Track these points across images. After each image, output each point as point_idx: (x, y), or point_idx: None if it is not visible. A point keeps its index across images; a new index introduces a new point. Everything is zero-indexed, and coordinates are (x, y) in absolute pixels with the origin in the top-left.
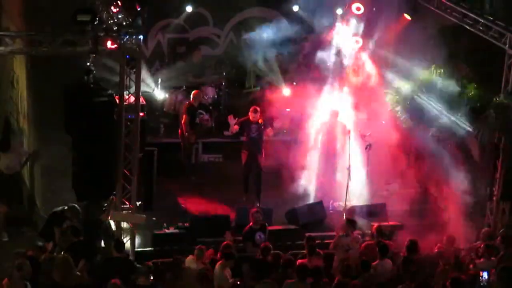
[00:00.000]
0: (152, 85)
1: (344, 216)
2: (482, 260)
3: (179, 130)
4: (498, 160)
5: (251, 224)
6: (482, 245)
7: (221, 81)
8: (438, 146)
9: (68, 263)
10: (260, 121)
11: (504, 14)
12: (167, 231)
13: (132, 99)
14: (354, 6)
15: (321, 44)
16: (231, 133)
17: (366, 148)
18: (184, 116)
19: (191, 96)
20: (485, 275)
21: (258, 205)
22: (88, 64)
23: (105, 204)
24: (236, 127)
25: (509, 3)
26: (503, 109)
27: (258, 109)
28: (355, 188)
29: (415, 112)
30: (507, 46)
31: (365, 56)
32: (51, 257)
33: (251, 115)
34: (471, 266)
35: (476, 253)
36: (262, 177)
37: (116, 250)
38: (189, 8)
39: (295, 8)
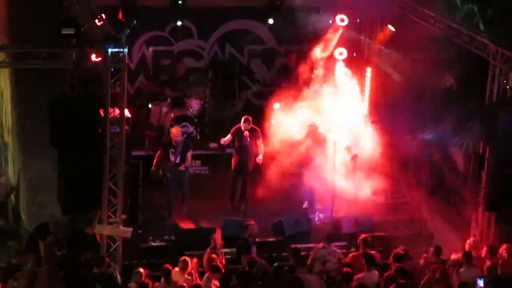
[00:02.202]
0: None
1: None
2: (463, 269)
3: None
4: (482, 170)
5: (245, 237)
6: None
7: (205, 94)
8: (424, 156)
9: (51, 274)
10: (246, 133)
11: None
12: (153, 244)
13: (117, 112)
14: (338, 17)
15: (305, 56)
16: (223, 143)
17: (352, 159)
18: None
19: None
20: (480, 283)
21: (244, 216)
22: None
23: (91, 218)
24: (229, 138)
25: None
26: (487, 119)
27: (250, 118)
28: (341, 199)
29: None
30: (490, 57)
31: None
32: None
33: (242, 125)
34: (455, 276)
35: (458, 263)
36: (248, 186)
37: (96, 265)
38: (178, 22)
39: (270, 21)
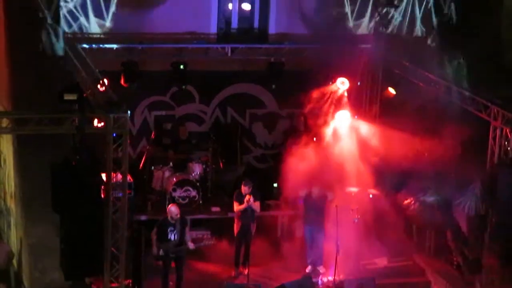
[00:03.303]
0: None
1: None
2: None
3: None
4: (485, 232)
5: None
6: None
7: (207, 157)
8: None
9: None
10: (248, 196)
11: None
12: None
13: (119, 176)
14: (339, 80)
15: (307, 119)
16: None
17: (354, 221)
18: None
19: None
20: None
21: (247, 280)
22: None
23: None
24: (236, 204)
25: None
26: (490, 180)
27: (251, 182)
28: (344, 262)
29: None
30: (491, 118)
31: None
32: None
33: (243, 189)
34: None
35: None
36: (251, 248)
37: None
38: (176, 87)
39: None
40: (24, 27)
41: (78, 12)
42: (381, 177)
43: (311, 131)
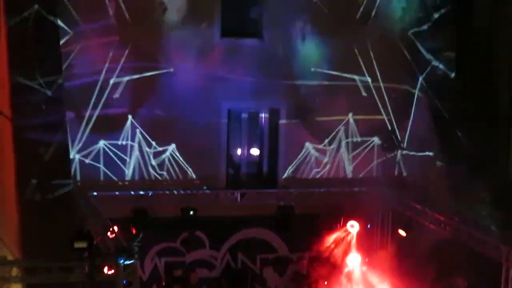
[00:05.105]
0: None
1: None
2: None
3: None
4: None
5: None
6: None
7: None
8: None
9: None
10: None
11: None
12: None
13: None
14: (349, 224)
15: (317, 262)
16: None
17: None
18: None
19: None
20: None
21: None
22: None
23: None
24: None
25: None
26: None
27: None
28: None
29: None
30: (503, 258)
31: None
32: None
33: None
34: None
35: None
36: None
37: None
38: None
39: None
40: (35, 171)
41: (90, 163)
42: None
43: (318, 275)
